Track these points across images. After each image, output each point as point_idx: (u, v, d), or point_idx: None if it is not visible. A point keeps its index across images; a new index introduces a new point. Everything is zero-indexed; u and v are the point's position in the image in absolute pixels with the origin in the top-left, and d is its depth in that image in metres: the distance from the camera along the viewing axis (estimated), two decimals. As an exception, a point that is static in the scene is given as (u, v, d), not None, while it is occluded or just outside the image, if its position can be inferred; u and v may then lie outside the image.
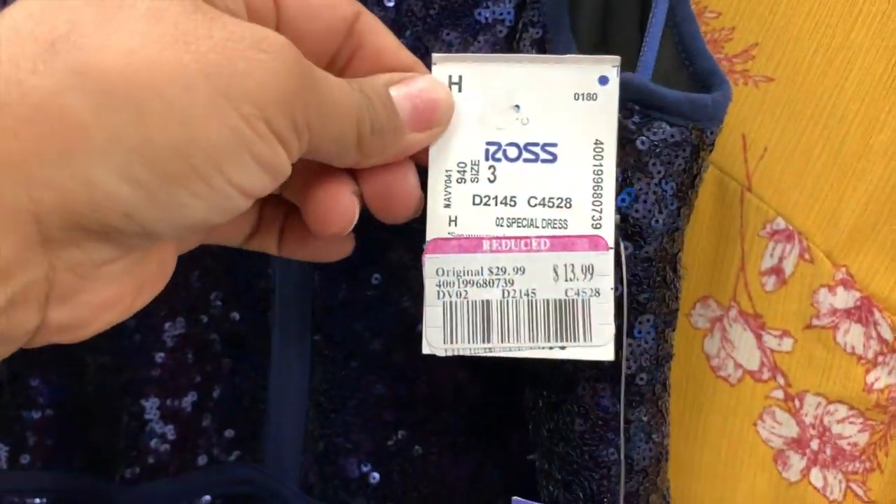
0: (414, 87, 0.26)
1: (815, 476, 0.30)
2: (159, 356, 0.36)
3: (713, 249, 0.32)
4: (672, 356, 0.28)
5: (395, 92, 0.25)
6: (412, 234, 0.33)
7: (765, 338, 0.31)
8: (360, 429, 0.34)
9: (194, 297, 0.36)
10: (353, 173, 0.27)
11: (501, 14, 0.31)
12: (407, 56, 0.27)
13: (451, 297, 0.27)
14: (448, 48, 0.32)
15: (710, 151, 0.27)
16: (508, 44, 0.31)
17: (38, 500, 0.38)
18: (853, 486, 0.30)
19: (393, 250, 0.33)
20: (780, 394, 0.31)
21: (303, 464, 0.35)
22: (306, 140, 0.23)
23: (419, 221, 0.32)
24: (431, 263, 0.27)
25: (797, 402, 0.31)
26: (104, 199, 0.20)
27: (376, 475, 0.34)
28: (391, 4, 0.32)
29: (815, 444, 0.30)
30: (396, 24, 0.32)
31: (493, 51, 0.31)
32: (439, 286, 0.27)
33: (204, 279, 0.36)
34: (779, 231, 0.31)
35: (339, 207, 0.26)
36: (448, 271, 0.27)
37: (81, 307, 0.22)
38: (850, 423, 0.30)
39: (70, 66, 0.19)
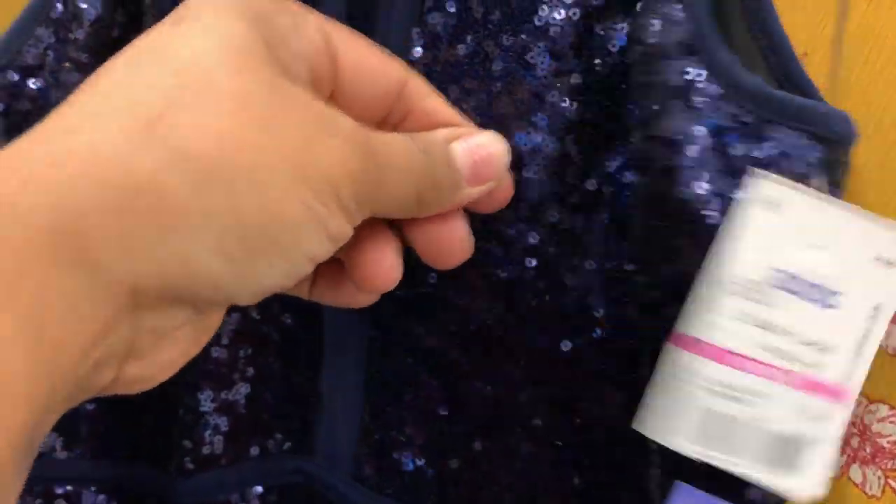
0: (473, 142, 0.27)
1: (855, 472, 0.32)
2: (214, 350, 0.37)
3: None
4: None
5: (455, 147, 0.27)
6: (475, 236, 0.34)
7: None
8: (414, 423, 0.35)
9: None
10: (401, 225, 0.28)
11: (561, 19, 0.32)
12: (456, 115, 0.29)
13: (682, 393, 0.27)
14: (507, 54, 0.33)
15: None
16: (574, 50, 0.32)
17: (90, 489, 0.39)
18: (892, 482, 0.31)
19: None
20: (822, 393, 0.33)
21: (357, 456, 0.36)
22: (370, 210, 0.24)
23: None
24: (675, 355, 0.27)
25: (839, 402, 0.32)
26: (197, 273, 0.21)
27: (430, 468, 0.35)
28: (453, 10, 0.33)
29: (854, 442, 0.32)
30: (457, 29, 0.33)
31: (553, 56, 0.32)
32: (674, 379, 0.27)
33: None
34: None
35: (385, 267, 0.28)
36: (689, 371, 0.27)
37: (154, 364, 0.24)
38: (891, 422, 0.31)
39: (169, 147, 0.20)
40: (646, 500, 0.33)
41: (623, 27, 0.31)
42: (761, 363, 0.27)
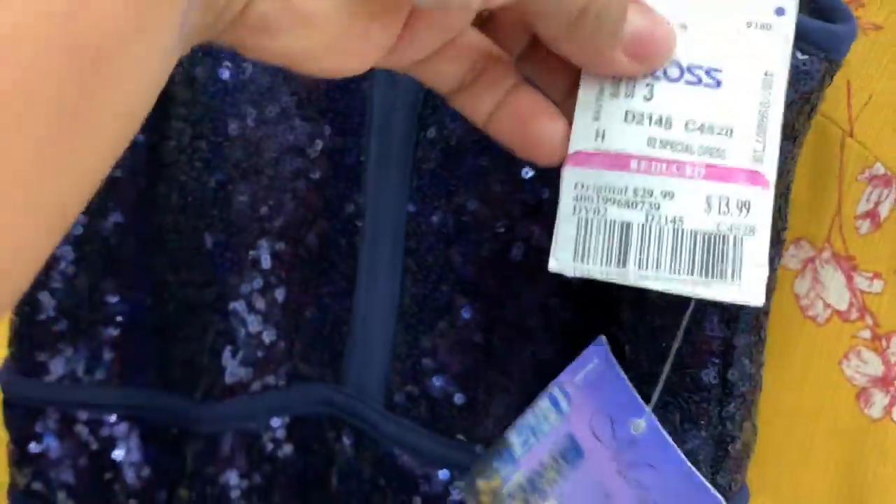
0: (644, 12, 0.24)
1: (898, 413, 0.32)
2: (248, 275, 0.36)
3: (810, 191, 0.33)
4: (776, 286, 0.29)
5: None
6: (511, 162, 0.33)
7: (856, 279, 0.32)
8: (447, 350, 0.34)
9: (287, 221, 0.36)
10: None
11: None
12: None
13: (587, 213, 0.25)
14: None
15: (829, 84, 0.28)
16: None
17: (111, 418, 0.39)
18: (936, 423, 0.31)
19: (490, 176, 0.33)
20: (867, 334, 0.32)
21: (389, 383, 0.35)
22: None
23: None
24: (571, 176, 0.25)
25: (884, 342, 0.32)
26: None
27: (461, 396, 0.34)
28: None
29: (899, 383, 0.32)
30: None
31: None
32: (576, 200, 0.25)
33: (296, 202, 0.36)
34: (877, 176, 0.32)
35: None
36: (588, 186, 0.25)
37: (296, 11, 0.20)
38: (937, 362, 0.31)
39: None
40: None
41: None
42: (659, 160, 0.25)
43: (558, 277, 0.33)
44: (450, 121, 0.34)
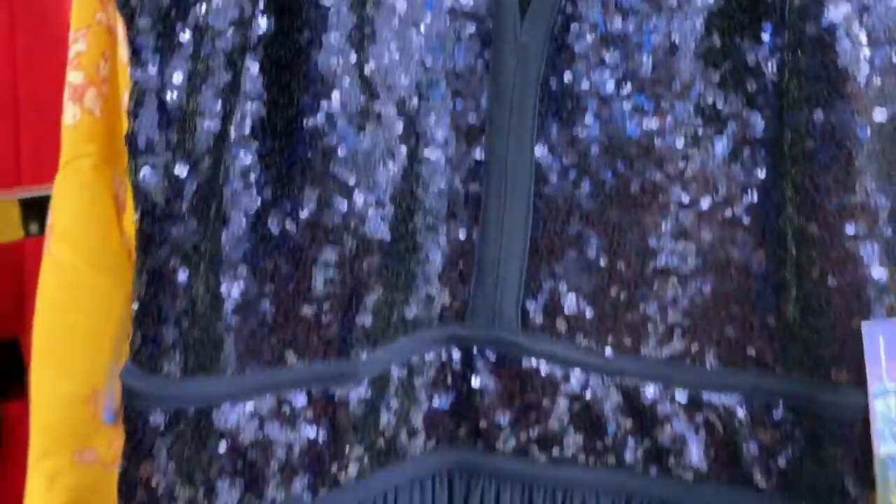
0: None
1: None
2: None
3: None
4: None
5: None
6: (622, 111, 0.39)
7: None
8: (578, 276, 0.40)
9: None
10: None
11: None
12: None
13: None
14: None
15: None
16: None
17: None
18: None
19: (609, 125, 0.40)
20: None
21: (524, 308, 0.40)
22: None
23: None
24: None
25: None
26: None
27: (591, 310, 0.40)
28: None
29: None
30: None
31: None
32: None
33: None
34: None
35: None
36: None
37: None
38: None
39: None
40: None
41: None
42: None
43: (670, 209, 0.39)
44: (576, 78, 0.39)
